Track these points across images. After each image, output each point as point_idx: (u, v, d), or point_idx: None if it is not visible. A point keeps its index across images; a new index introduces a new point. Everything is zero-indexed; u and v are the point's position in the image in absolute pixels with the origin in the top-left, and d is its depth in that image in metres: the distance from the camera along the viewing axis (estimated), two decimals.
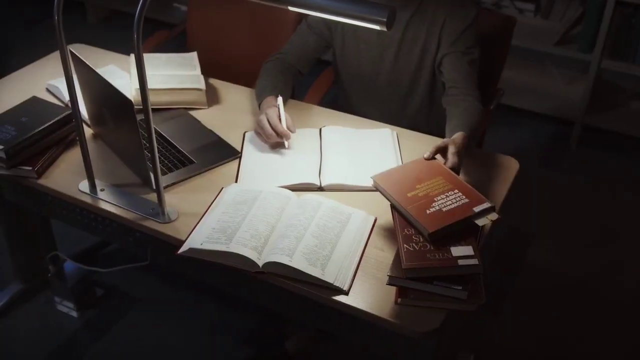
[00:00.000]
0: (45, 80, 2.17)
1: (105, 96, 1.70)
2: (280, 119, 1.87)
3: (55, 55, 2.34)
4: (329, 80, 2.41)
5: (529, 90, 3.51)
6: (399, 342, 1.48)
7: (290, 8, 1.45)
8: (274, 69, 2.08)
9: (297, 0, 1.40)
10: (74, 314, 2.42)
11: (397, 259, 1.42)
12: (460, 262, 1.36)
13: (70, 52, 1.78)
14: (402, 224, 1.47)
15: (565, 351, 2.33)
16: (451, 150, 1.64)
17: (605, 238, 2.81)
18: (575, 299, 2.53)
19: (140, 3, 1.36)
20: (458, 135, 1.71)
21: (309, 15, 2.06)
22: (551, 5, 3.44)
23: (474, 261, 1.36)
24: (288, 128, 1.87)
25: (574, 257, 2.71)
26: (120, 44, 2.34)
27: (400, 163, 1.84)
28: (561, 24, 3.36)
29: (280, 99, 1.93)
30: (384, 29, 1.36)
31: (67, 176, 1.80)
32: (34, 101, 1.97)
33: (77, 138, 1.70)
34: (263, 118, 1.87)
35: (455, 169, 1.62)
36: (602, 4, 3.02)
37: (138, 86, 2.00)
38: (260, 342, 2.33)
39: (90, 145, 1.91)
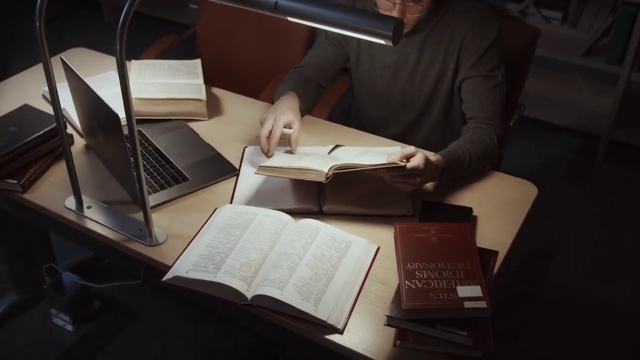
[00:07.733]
0: (42, 87, 2.08)
1: (94, 108, 1.60)
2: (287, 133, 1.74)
3: (54, 60, 2.24)
4: (341, 89, 2.29)
5: (554, 102, 3.35)
6: None
7: (290, 19, 1.34)
8: (294, 77, 1.97)
9: (298, 11, 1.29)
10: (70, 327, 2.33)
11: (397, 296, 1.29)
12: (467, 304, 1.23)
13: (61, 59, 1.69)
14: (406, 257, 1.35)
15: None
16: (418, 161, 1.52)
17: (631, 259, 2.65)
18: (601, 324, 2.38)
19: (122, 20, 1.26)
20: (436, 157, 1.62)
21: None
22: (579, 13, 3.28)
23: (482, 304, 1.23)
24: (289, 143, 1.75)
25: (597, 278, 2.56)
26: (136, 43, 2.26)
27: None
28: (589, 34, 3.19)
29: (294, 127, 1.76)
30: (390, 43, 1.24)
31: (54, 191, 1.70)
32: (26, 109, 1.87)
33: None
34: (268, 121, 1.74)
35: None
36: (633, 14, 2.86)
37: (137, 95, 1.93)
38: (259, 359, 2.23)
39: (82, 158, 1.82)
